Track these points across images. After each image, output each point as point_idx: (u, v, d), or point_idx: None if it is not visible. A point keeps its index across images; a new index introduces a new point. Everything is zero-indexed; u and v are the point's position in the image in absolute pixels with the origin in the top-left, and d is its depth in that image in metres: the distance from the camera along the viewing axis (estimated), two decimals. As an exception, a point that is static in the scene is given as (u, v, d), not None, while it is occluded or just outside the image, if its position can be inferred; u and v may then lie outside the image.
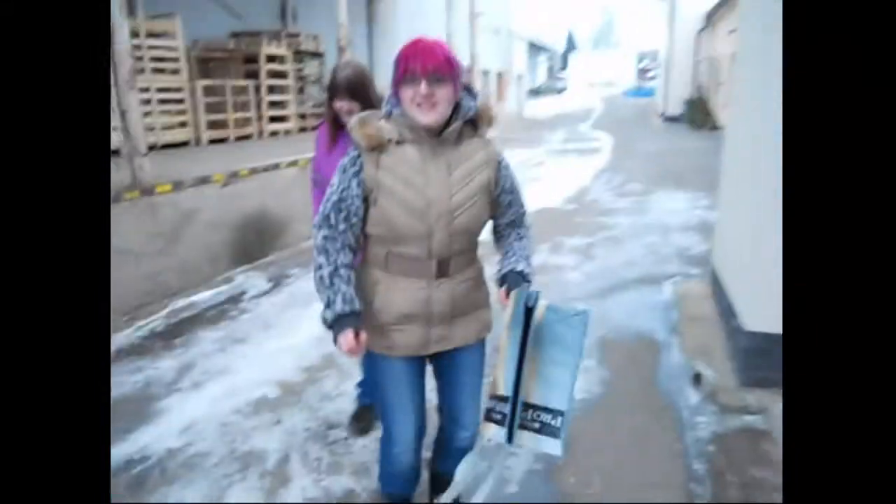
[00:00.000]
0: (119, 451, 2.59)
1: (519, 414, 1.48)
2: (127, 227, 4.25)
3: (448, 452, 1.86)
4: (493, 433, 1.50)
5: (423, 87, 1.45)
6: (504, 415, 1.48)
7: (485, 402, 1.56)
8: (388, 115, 1.56)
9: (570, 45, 66.17)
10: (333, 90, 2.27)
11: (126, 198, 4.26)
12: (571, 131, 18.66)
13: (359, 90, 2.25)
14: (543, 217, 7.10)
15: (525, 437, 1.50)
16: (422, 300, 1.60)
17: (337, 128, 2.33)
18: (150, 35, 6.92)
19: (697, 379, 3.06)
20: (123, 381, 3.27)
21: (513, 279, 1.62)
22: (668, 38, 21.51)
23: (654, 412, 2.83)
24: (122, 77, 4.15)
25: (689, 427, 2.68)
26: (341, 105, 2.27)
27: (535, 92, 42.45)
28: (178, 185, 4.66)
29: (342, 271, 1.56)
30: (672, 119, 20.47)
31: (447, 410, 1.85)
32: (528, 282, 1.62)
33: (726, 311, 3.43)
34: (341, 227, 1.57)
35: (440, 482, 1.92)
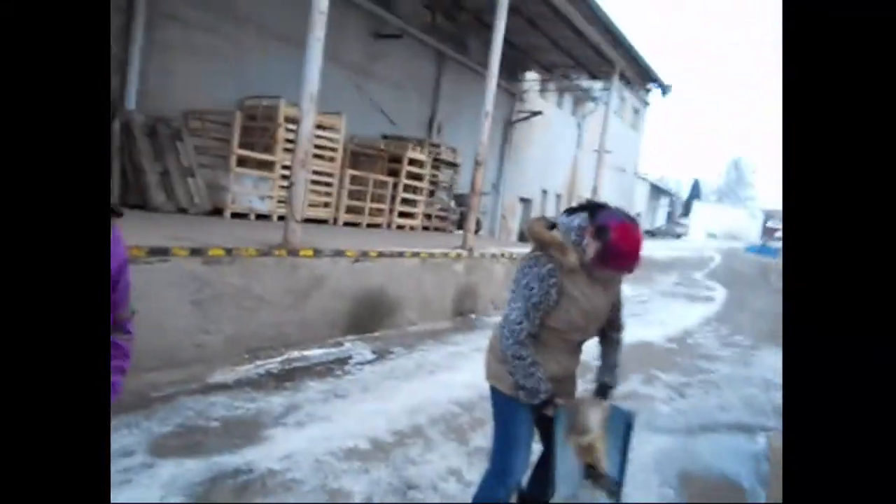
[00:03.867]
0: (229, 461, 2.97)
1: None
2: (268, 278, 4.90)
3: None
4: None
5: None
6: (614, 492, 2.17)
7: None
8: (576, 244, 2.02)
9: (695, 193, 66.05)
10: None
11: (275, 253, 4.95)
12: (684, 276, 18.36)
13: None
14: (639, 350, 7.09)
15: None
16: (565, 365, 2.20)
17: None
18: (319, 126, 8.09)
19: (778, 531, 2.99)
20: (239, 405, 3.72)
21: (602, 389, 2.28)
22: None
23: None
24: (298, 157, 4.98)
25: (761, 573, 2.62)
26: None
27: (653, 233, 42.30)
28: (317, 253, 5.32)
29: (537, 361, 2.05)
30: (795, 282, 19.56)
31: None
32: (612, 387, 2.29)
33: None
34: (537, 323, 2.05)
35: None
